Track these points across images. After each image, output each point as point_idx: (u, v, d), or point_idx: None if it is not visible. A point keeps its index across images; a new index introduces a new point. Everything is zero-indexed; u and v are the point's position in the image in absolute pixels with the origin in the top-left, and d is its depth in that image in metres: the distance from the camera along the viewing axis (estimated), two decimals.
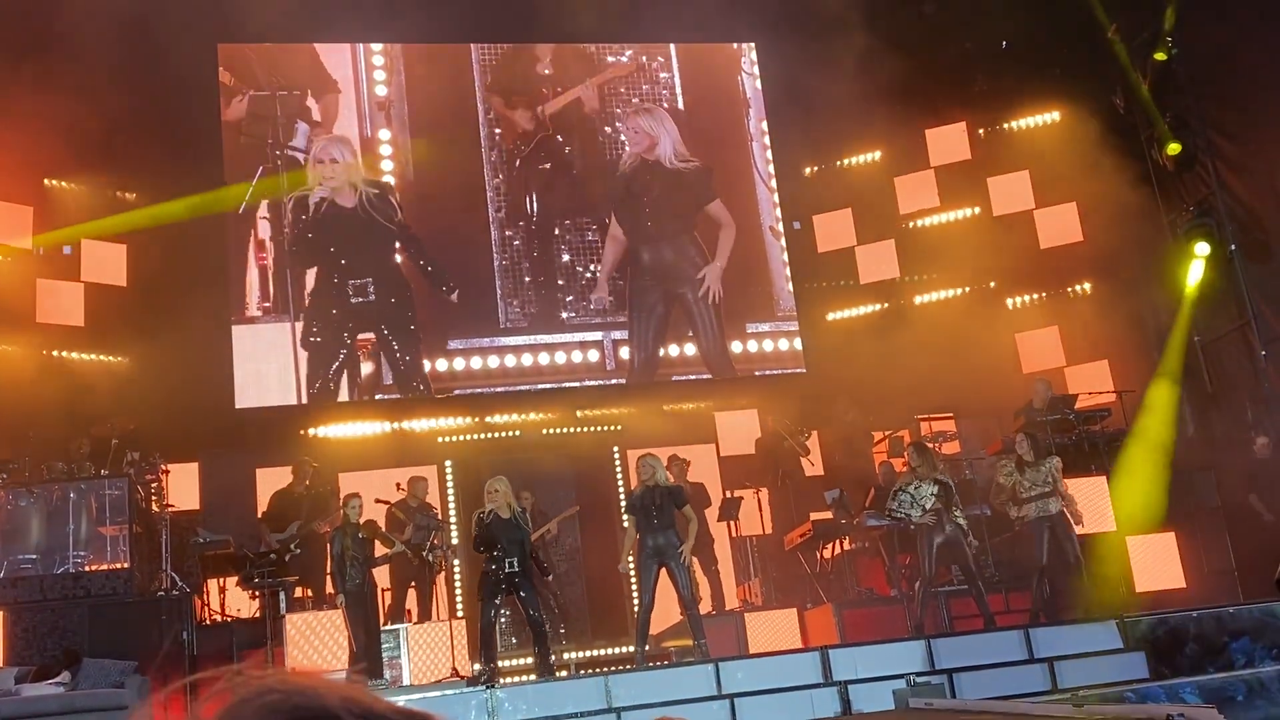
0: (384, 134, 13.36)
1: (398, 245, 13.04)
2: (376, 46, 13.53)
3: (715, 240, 13.84)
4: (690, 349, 13.55)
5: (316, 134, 13.15)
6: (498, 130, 13.68)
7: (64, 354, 11.94)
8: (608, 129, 14.04)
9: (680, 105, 14.34)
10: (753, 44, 14.77)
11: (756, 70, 14.62)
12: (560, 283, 13.36)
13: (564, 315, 13.31)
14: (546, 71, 13.99)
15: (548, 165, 13.68)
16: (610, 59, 14.25)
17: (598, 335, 13.31)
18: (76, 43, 10.98)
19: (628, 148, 13.98)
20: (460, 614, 11.01)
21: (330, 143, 13.16)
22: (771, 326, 13.87)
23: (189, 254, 12.23)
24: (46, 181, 12.17)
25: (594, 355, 13.25)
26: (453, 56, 13.87)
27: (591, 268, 13.52)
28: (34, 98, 10.79)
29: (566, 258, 13.47)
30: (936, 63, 13.93)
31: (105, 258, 12.22)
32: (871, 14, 13.42)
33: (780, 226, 14.23)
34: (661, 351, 13.43)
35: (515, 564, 8.57)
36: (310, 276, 12.78)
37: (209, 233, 12.64)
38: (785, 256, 14.15)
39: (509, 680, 9.47)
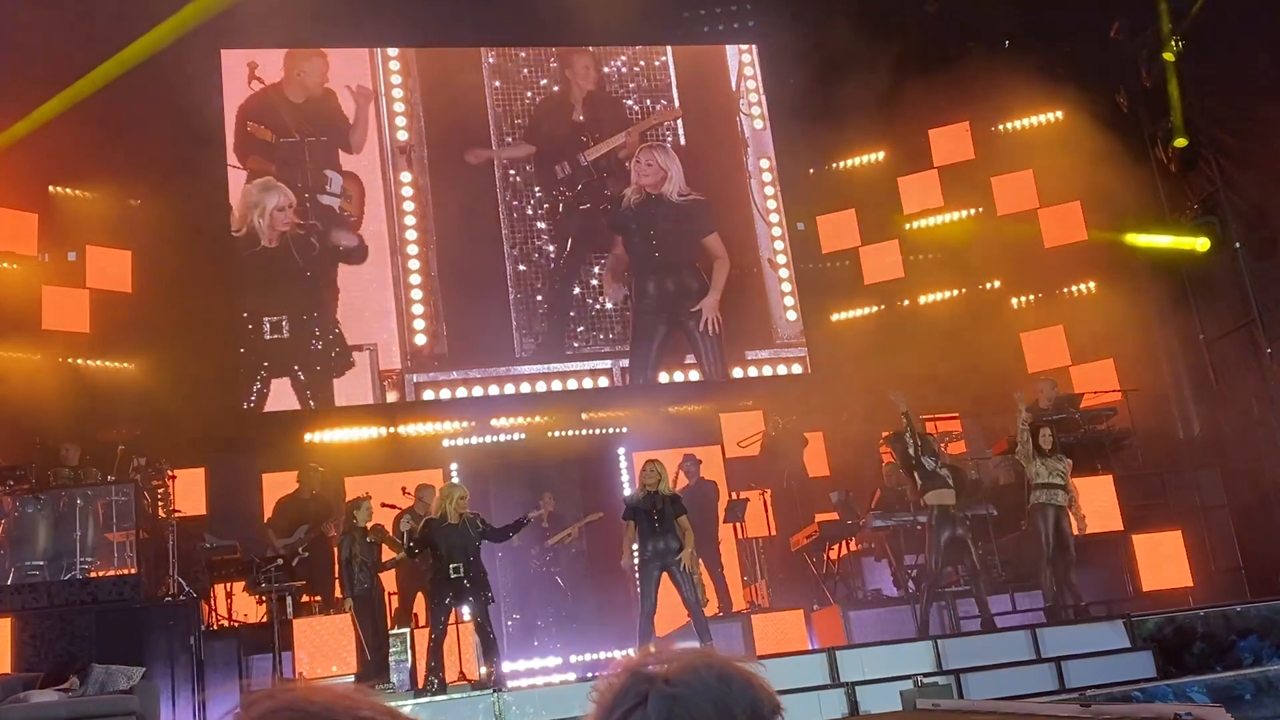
0: (405, 176, 13.56)
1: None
2: (398, 94, 13.71)
3: (711, 272, 14.08)
4: (694, 375, 13.75)
5: (351, 183, 13.33)
6: (512, 172, 13.89)
7: (70, 360, 11.96)
8: (627, 164, 14.27)
9: (682, 143, 14.52)
10: (752, 46, 14.79)
11: (755, 111, 14.74)
12: (571, 314, 13.69)
13: (575, 345, 13.60)
14: (580, 119, 14.17)
15: (587, 206, 14.00)
16: (630, 103, 14.46)
17: (607, 364, 13.64)
18: (80, 47, 11.02)
19: (635, 179, 14.14)
20: (466, 618, 11.00)
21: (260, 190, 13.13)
22: (771, 353, 14.05)
23: (194, 259, 12.25)
24: (51, 189, 12.21)
25: (604, 382, 13.57)
26: (468, 93, 13.97)
27: (601, 299, 13.83)
28: (38, 104, 10.81)
29: (577, 290, 13.78)
30: (939, 62, 13.91)
31: (110, 264, 12.24)
32: (874, 13, 13.42)
33: (780, 259, 14.31)
34: (664, 377, 13.63)
35: (459, 570, 8.62)
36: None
37: (213, 236, 12.67)
38: (784, 288, 14.22)
39: (517, 684, 9.47)
